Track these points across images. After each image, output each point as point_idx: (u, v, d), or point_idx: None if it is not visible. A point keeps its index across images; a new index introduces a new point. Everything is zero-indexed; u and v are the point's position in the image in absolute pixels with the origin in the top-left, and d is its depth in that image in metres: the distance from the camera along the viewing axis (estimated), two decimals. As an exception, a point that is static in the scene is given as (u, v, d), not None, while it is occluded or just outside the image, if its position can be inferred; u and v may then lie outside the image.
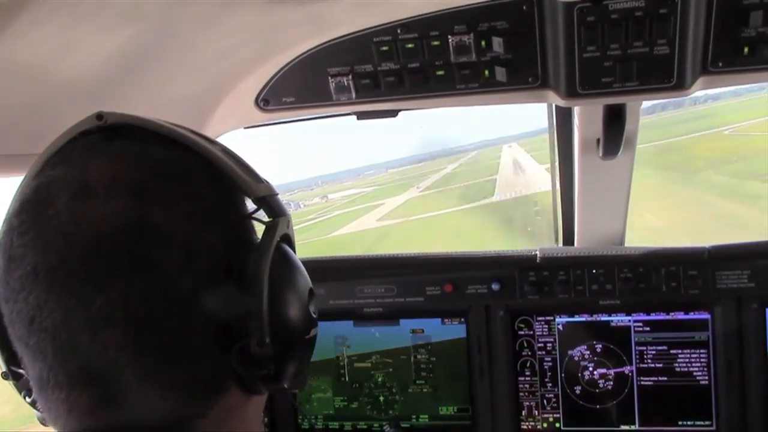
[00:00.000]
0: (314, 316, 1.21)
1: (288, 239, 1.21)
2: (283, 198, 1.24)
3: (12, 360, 1.08)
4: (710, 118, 46.52)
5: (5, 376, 1.14)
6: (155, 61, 1.88)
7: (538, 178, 40.14)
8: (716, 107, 52.11)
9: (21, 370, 1.09)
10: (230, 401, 1.10)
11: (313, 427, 3.21)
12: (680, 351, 2.81)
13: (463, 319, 2.98)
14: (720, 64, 1.95)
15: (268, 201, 1.18)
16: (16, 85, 1.60)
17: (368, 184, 67.71)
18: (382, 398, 3.09)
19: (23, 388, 1.13)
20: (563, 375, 2.92)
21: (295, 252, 1.23)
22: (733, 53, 1.92)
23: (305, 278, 1.21)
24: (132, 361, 0.97)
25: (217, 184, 1.14)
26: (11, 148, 1.77)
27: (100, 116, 1.11)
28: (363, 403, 3.12)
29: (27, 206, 1.04)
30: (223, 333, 1.05)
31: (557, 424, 2.94)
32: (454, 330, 3.00)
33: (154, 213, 1.01)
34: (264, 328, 1.06)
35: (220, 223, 1.12)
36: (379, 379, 3.09)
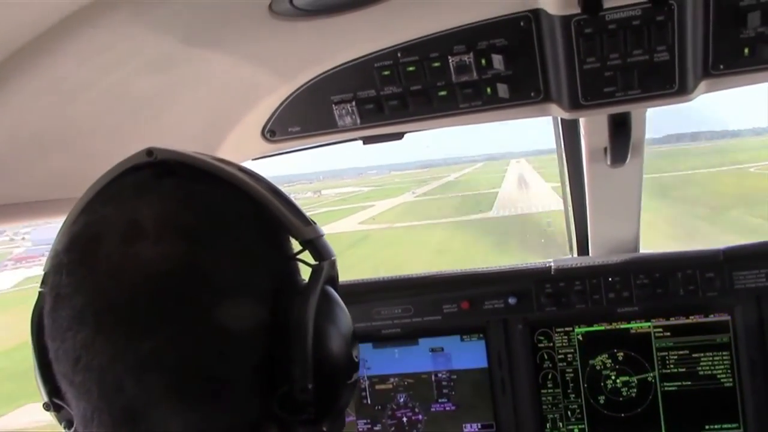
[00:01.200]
0: (356, 360, 1.22)
1: (333, 282, 1.22)
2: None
3: (54, 393, 1.10)
4: (731, 154, 45.38)
5: (47, 408, 1.15)
6: (161, 100, 1.91)
7: (542, 196, 39.16)
8: (735, 143, 51.26)
9: (61, 403, 1.10)
10: None
11: None
12: (702, 354, 2.79)
13: (482, 335, 2.97)
14: (721, 67, 1.96)
15: (315, 243, 1.19)
16: (34, 127, 1.63)
17: (367, 183, 67.31)
18: (405, 419, 3.08)
19: (63, 419, 1.15)
20: (586, 385, 2.90)
21: (338, 293, 1.23)
22: (734, 55, 1.93)
23: (349, 322, 1.22)
24: (176, 404, 0.99)
25: (265, 226, 1.15)
26: (37, 195, 1.81)
27: (150, 152, 1.13)
28: (386, 426, 3.10)
29: (77, 244, 1.05)
30: (267, 378, 1.06)
31: None
32: (473, 346, 2.98)
33: (202, 256, 1.02)
34: (308, 374, 1.07)
35: (267, 265, 1.13)
36: (401, 400, 3.08)
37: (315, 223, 1.23)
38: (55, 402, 1.12)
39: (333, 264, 1.21)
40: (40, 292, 1.12)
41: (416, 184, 63.40)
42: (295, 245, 1.20)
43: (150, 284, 0.98)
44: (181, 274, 1.00)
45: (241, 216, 1.12)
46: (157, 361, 0.97)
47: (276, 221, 1.15)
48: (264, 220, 1.14)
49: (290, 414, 1.08)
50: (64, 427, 1.15)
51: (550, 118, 2.94)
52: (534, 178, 50.56)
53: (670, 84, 1.95)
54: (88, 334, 0.98)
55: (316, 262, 1.17)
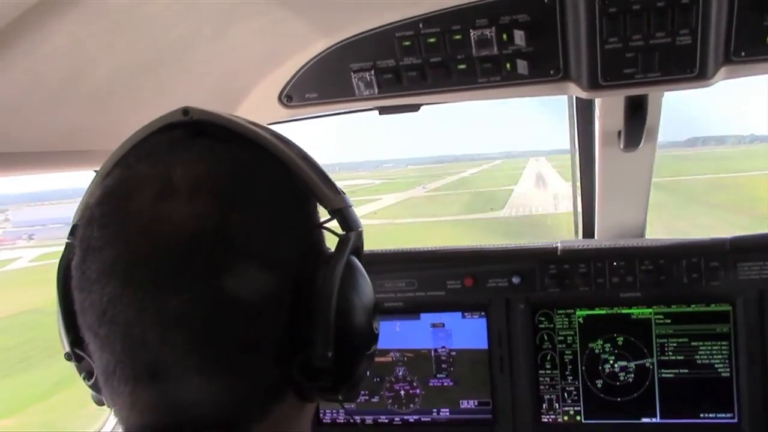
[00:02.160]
0: (376, 332, 1.22)
1: (358, 252, 1.22)
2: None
3: (76, 343, 1.11)
4: (761, 159, 43.87)
5: (68, 357, 1.17)
6: (177, 61, 1.91)
7: (560, 195, 37.96)
8: (762, 148, 49.89)
9: (83, 354, 1.12)
10: (286, 407, 1.11)
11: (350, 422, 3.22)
12: (701, 343, 2.81)
13: (483, 313, 2.99)
14: (743, 54, 1.95)
15: (344, 213, 1.19)
16: (56, 85, 1.64)
17: (380, 176, 66.68)
18: (403, 392, 3.11)
19: (83, 370, 1.16)
20: (584, 368, 2.91)
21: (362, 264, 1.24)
22: (756, 42, 1.93)
23: (371, 294, 1.22)
24: (198, 363, 1.00)
25: (296, 192, 1.15)
26: (55, 145, 1.83)
27: (186, 111, 1.13)
28: (384, 398, 3.13)
29: (110, 198, 1.05)
30: (288, 342, 1.07)
31: (578, 417, 2.94)
32: (474, 324, 3.00)
33: (234, 219, 1.03)
34: (329, 341, 1.07)
35: (296, 232, 1.14)
36: (400, 373, 3.10)
37: (344, 192, 1.23)
38: (77, 352, 1.14)
39: (360, 235, 1.21)
40: (67, 244, 1.14)
41: (430, 178, 62.56)
42: (323, 213, 1.20)
43: (180, 243, 0.99)
44: (211, 235, 1.00)
45: (272, 181, 1.13)
46: (183, 319, 0.98)
47: (306, 188, 1.15)
48: (294, 187, 1.14)
49: (309, 380, 1.08)
50: (84, 378, 1.17)
51: (566, 107, 2.96)
52: (553, 176, 49.44)
53: (690, 68, 1.94)
54: (116, 287, 0.98)
55: (344, 232, 1.17)
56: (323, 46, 2.22)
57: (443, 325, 3.04)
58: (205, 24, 1.78)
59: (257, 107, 2.38)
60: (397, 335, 3.09)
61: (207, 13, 1.70)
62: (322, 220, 1.20)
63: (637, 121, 2.29)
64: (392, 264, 3.08)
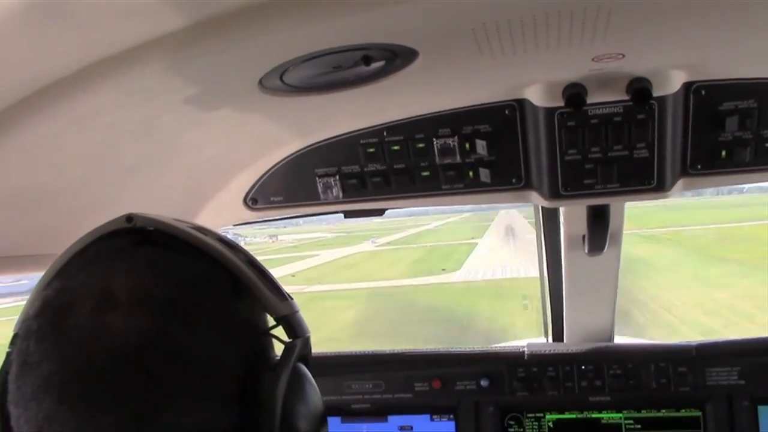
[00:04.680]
0: None
1: (305, 359, 1.21)
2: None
3: None
4: (759, 207, 42.31)
5: None
6: (147, 164, 1.91)
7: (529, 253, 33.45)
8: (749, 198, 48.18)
9: None
10: None
11: None
12: None
13: (452, 416, 2.93)
14: (699, 167, 2.00)
15: (290, 319, 1.17)
16: (22, 181, 1.63)
17: (340, 230, 64.29)
18: None
19: None
20: None
21: (310, 371, 1.22)
22: (711, 156, 1.98)
23: (319, 402, 1.20)
24: None
25: (241, 299, 1.14)
26: (19, 249, 1.81)
27: (129, 218, 1.12)
28: (350, 503, 3.03)
29: (48, 310, 1.03)
30: None
31: None
32: (443, 427, 2.94)
33: (175, 330, 1.01)
34: None
35: (240, 341, 1.11)
36: None
37: (291, 298, 1.22)
38: None
39: (306, 341, 1.20)
40: (7, 353, 1.10)
41: (388, 231, 60.26)
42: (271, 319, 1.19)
43: (118, 357, 0.96)
44: (151, 349, 0.98)
45: (217, 290, 1.11)
46: None
47: (252, 296, 1.14)
48: (240, 295, 1.13)
49: None
50: None
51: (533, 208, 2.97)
52: (523, 227, 46.31)
53: (648, 180, 1.98)
54: (51, 404, 0.95)
55: (290, 339, 1.16)
56: (289, 151, 2.23)
57: (411, 428, 2.98)
58: (173, 130, 1.79)
59: (222, 210, 2.38)
60: None
61: (175, 120, 1.71)
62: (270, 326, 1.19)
63: (599, 227, 2.31)
64: (359, 365, 3.03)
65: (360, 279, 35.68)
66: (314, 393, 1.19)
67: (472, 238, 48.03)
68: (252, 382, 1.07)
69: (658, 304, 25.24)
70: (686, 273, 29.80)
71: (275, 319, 1.17)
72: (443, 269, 36.12)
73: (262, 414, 1.05)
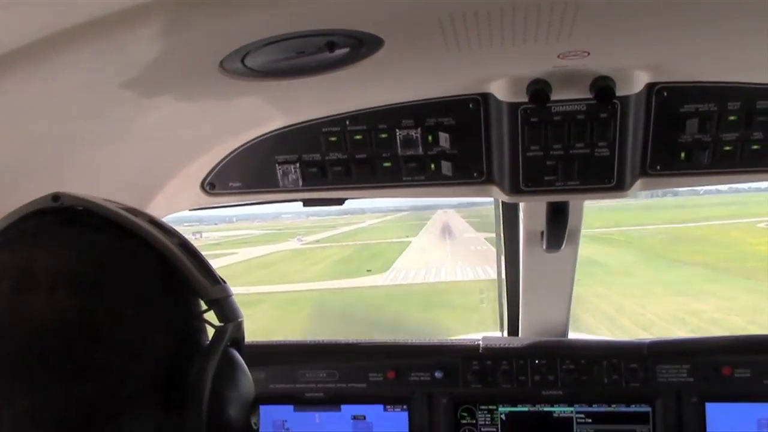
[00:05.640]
0: (255, 428, 1.18)
1: (238, 344, 1.19)
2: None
3: None
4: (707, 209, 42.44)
5: None
6: (100, 141, 1.86)
7: (471, 254, 32.36)
8: (700, 200, 48.60)
9: None
10: None
11: None
12: None
13: (405, 406, 2.94)
14: (658, 167, 2.03)
15: (222, 304, 1.16)
16: None
17: (271, 227, 63.44)
18: None
19: None
20: None
21: (243, 356, 1.20)
22: (671, 157, 2.01)
23: (250, 387, 1.18)
24: None
25: (170, 283, 1.11)
26: None
27: (56, 197, 1.09)
28: (300, 493, 3.01)
29: None
30: None
31: None
32: (396, 417, 2.94)
33: (98, 312, 0.98)
34: None
35: (168, 323, 1.10)
36: None
37: (225, 282, 1.20)
38: None
39: (239, 326, 1.18)
40: None
41: (321, 229, 59.28)
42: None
43: (36, 339, 0.94)
44: (72, 331, 0.95)
45: (144, 271, 1.09)
46: (37, 420, 0.92)
47: (182, 279, 1.12)
48: (169, 277, 1.11)
49: None
50: None
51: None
52: (461, 226, 46.09)
53: (608, 179, 2.01)
54: None
55: (221, 323, 1.14)
56: (249, 137, 2.20)
57: (364, 418, 2.97)
58: (129, 109, 1.73)
59: (179, 193, 2.33)
60: (316, 427, 2.99)
61: (131, 98, 1.65)
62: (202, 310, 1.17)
63: (558, 224, 2.33)
64: (314, 354, 3.02)
65: (272, 281, 33.30)
66: (245, 379, 1.17)
67: (406, 236, 47.15)
68: (179, 366, 1.06)
69: (629, 318, 23.40)
70: (647, 277, 28.86)
71: (206, 303, 1.16)
72: (369, 270, 34.39)
73: (190, 398, 1.04)
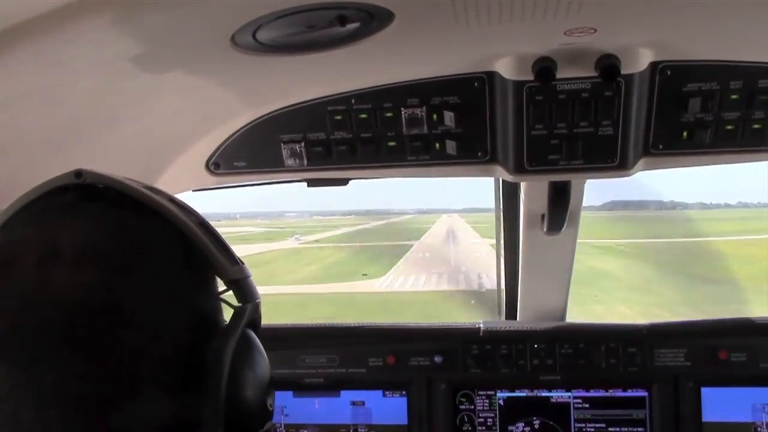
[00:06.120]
0: (270, 409, 1.19)
1: (255, 325, 1.19)
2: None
3: None
4: (701, 223, 41.20)
5: None
6: (108, 118, 1.86)
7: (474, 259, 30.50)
8: (691, 214, 47.11)
9: None
10: None
11: None
12: (618, 429, 2.84)
13: (404, 392, 2.95)
14: (660, 147, 2.05)
15: (240, 284, 1.16)
16: None
17: (274, 225, 60.72)
18: None
19: None
20: None
21: (259, 337, 1.21)
22: (673, 137, 2.03)
23: (267, 369, 1.19)
24: None
25: (190, 261, 1.12)
26: None
27: (79, 174, 1.09)
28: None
29: None
30: (176, 421, 1.02)
31: None
32: (395, 403, 2.95)
33: (121, 289, 0.99)
34: (219, 418, 1.04)
35: (188, 302, 1.10)
36: None
37: (243, 263, 1.21)
38: None
39: (257, 307, 1.19)
40: None
41: (330, 229, 57.86)
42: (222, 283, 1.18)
43: (61, 314, 0.94)
44: (95, 307, 0.96)
45: (165, 250, 1.10)
46: (59, 396, 0.92)
47: (202, 258, 1.12)
48: (190, 256, 1.12)
49: None
50: None
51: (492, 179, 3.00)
52: (466, 232, 44.93)
53: (611, 158, 2.02)
54: None
55: (239, 304, 1.15)
56: (254, 116, 2.21)
57: (364, 404, 2.98)
58: (137, 84, 1.74)
59: (183, 172, 2.33)
60: (315, 412, 3.00)
61: (140, 74, 1.65)
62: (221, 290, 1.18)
63: (560, 205, 2.35)
64: (313, 339, 3.02)
65: (260, 282, 30.47)
66: (262, 360, 1.18)
67: (408, 239, 45.13)
68: (199, 345, 1.06)
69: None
70: (670, 296, 25.72)
71: (225, 283, 1.16)
72: (364, 274, 32.02)
73: (209, 377, 1.04)
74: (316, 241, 50.47)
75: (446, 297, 25.65)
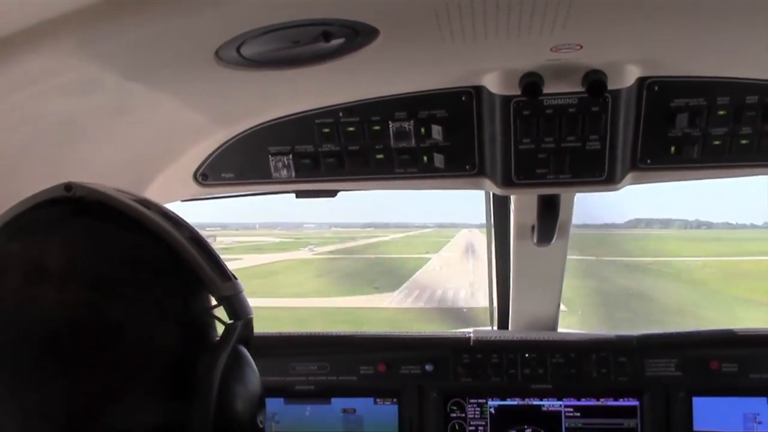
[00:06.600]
0: (261, 426, 1.17)
1: (246, 341, 1.18)
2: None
3: None
4: (760, 243, 39.72)
5: None
6: (95, 130, 1.86)
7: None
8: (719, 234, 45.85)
9: None
10: None
11: None
12: None
13: (395, 400, 2.94)
14: (648, 161, 2.05)
15: (232, 300, 1.15)
16: None
17: (289, 236, 60.79)
18: None
19: None
20: None
21: (251, 353, 1.19)
22: (661, 151, 2.04)
23: (258, 386, 1.18)
24: None
25: (181, 278, 1.11)
26: None
27: (68, 187, 1.07)
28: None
29: None
30: None
31: None
32: (386, 410, 2.95)
33: (109, 307, 0.98)
34: None
35: (178, 319, 1.09)
36: None
37: (236, 278, 1.19)
38: None
39: (248, 323, 1.17)
40: None
41: (345, 240, 57.71)
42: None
43: (47, 332, 0.93)
44: (83, 325, 0.95)
45: (156, 266, 1.08)
46: (45, 414, 0.91)
47: (193, 274, 1.11)
48: (180, 272, 1.10)
49: None
50: None
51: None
52: (484, 246, 44.64)
53: (599, 172, 2.02)
54: None
55: (231, 320, 1.14)
56: (243, 127, 2.21)
57: (355, 411, 2.97)
58: (123, 97, 1.74)
59: (171, 183, 2.34)
60: (306, 419, 2.99)
61: (126, 86, 1.66)
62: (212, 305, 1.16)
63: (549, 217, 2.34)
64: (304, 346, 3.02)
65: (262, 293, 29.24)
66: (253, 376, 1.17)
67: (426, 252, 44.95)
68: (189, 362, 1.05)
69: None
70: (712, 318, 24.16)
71: (216, 299, 1.15)
72: (376, 288, 31.17)
73: (198, 394, 1.03)
74: (331, 252, 49.65)
75: (461, 315, 23.79)
